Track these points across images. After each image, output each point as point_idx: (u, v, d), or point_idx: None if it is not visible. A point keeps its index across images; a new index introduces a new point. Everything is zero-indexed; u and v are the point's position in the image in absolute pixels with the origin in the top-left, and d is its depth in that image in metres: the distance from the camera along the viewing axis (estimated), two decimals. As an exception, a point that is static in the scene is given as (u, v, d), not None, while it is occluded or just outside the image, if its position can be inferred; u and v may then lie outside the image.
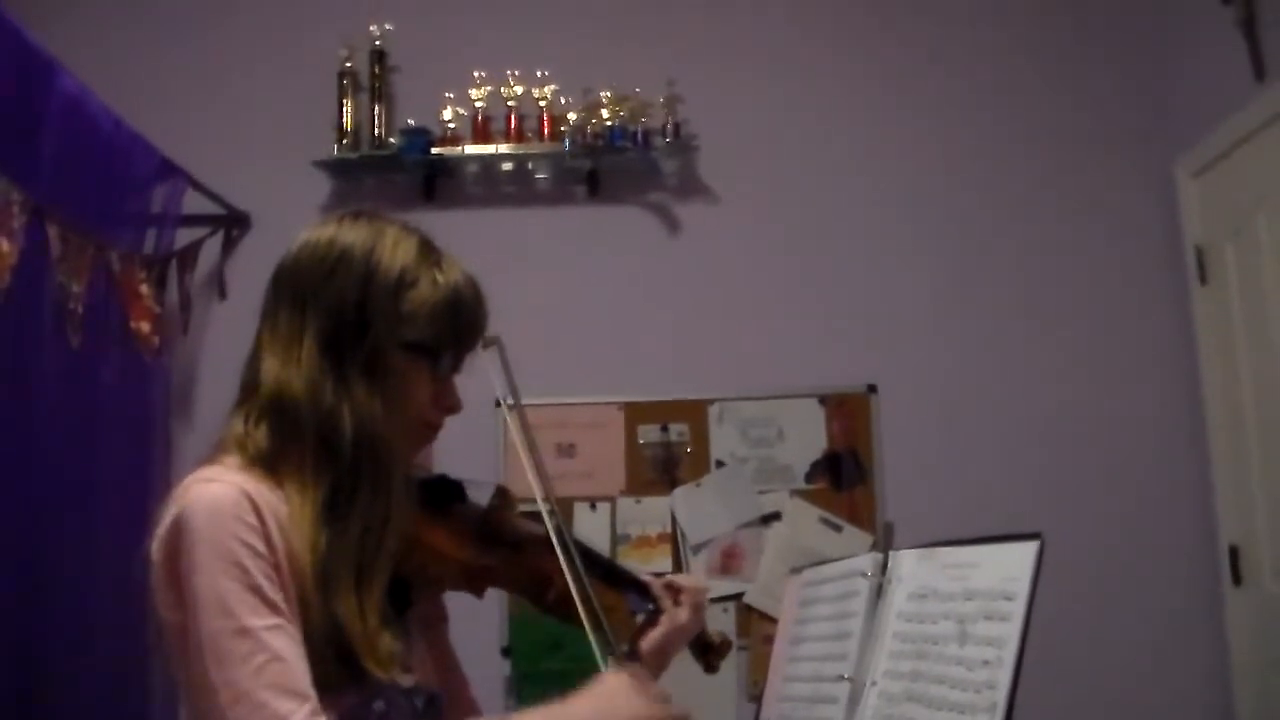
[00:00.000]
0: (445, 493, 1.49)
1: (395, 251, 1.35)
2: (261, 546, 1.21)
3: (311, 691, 1.19)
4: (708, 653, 1.72)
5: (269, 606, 1.20)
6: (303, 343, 1.32)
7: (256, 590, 1.19)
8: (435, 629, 1.53)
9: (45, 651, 2.57)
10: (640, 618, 1.64)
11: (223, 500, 1.22)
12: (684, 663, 1.67)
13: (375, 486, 1.29)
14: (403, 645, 1.32)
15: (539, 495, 1.45)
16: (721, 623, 3.32)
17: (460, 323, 1.38)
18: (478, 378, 1.45)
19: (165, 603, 1.25)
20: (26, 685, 2.51)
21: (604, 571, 1.63)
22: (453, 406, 1.40)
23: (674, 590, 1.64)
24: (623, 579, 1.67)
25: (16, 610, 2.49)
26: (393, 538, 1.30)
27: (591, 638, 1.39)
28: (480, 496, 1.51)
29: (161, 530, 1.25)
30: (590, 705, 1.31)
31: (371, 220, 1.38)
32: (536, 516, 1.47)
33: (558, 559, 1.42)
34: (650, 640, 1.60)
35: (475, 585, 1.49)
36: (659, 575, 1.69)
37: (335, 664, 1.23)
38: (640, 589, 1.66)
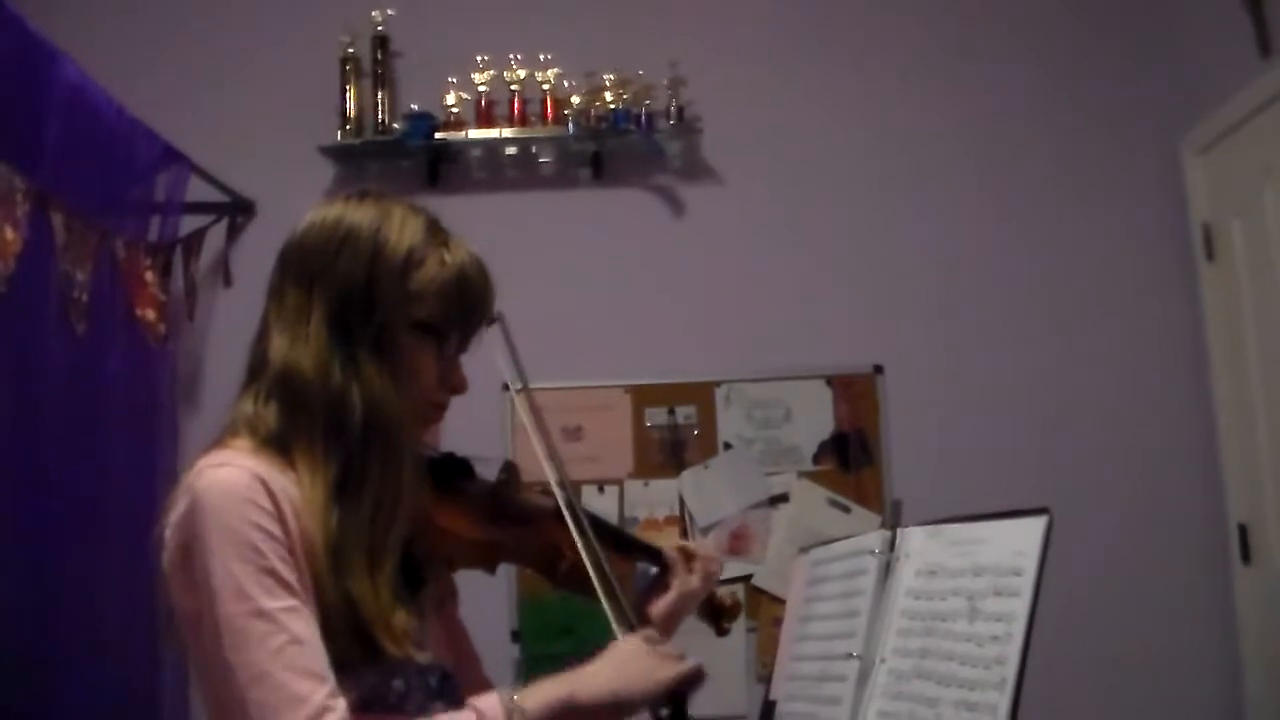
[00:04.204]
0: (453, 470, 1.49)
1: (402, 231, 1.35)
2: (275, 529, 1.21)
3: (329, 673, 1.20)
4: (719, 616, 1.73)
5: (285, 588, 1.20)
6: (310, 322, 1.32)
7: (272, 573, 1.20)
8: (447, 606, 1.53)
9: (53, 640, 2.57)
10: (646, 581, 1.65)
11: (235, 484, 1.22)
12: (692, 638, 1.66)
13: (386, 466, 1.29)
14: (417, 623, 1.32)
15: (548, 471, 1.45)
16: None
17: (467, 302, 1.38)
18: (484, 360, 1.46)
19: (179, 588, 1.25)
20: (34, 674, 2.51)
21: (614, 539, 1.63)
22: (458, 386, 1.41)
23: (687, 555, 1.65)
24: (634, 546, 1.68)
25: (24, 599, 2.50)
26: (404, 516, 1.30)
27: (606, 606, 1.38)
28: (488, 473, 1.51)
29: (174, 516, 1.25)
30: (606, 670, 1.30)
31: (378, 200, 1.39)
32: (545, 490, 1.47)
33: (568, 531, 1.42)
34: (659, 606, 1.61)
35: (487, 561, 1.49)
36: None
37: (351, 643, 1.23)
38: (652, 555, 1.66)
